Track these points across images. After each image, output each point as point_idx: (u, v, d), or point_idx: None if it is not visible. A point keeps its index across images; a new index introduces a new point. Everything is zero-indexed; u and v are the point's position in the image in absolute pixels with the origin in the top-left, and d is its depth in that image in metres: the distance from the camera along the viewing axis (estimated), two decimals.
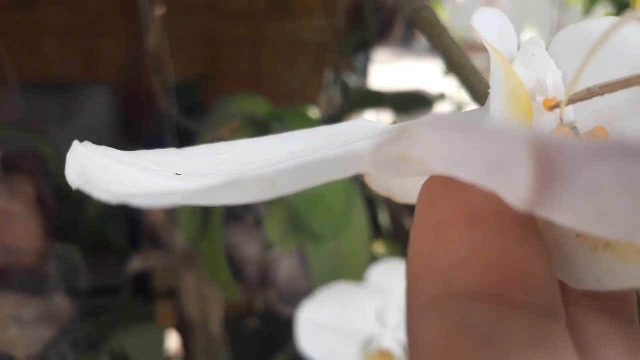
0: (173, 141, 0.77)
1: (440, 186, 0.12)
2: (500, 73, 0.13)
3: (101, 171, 0.13)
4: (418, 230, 0.13)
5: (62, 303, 0.76)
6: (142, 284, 0.86)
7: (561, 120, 0.14)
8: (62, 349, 0.72)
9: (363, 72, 1.00)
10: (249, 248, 0.78)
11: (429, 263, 0.12)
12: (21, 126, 0.83)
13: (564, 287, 0.13)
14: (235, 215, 0.78)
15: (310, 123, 0.65)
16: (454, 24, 1.03)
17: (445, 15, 1.03)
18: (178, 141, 0.76)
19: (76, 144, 0.14)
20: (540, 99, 0.14)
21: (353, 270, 0.60)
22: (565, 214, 0.10)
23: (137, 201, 0.11)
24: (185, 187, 0.13)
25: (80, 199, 0.78)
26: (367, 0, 0.84)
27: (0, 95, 0.89)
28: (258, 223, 0.76)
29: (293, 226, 0.62)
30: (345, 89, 0.86)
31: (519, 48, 0.15)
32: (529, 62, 0.15)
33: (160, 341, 0.74)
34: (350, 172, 0.12)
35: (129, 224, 0.88)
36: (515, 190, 0.10)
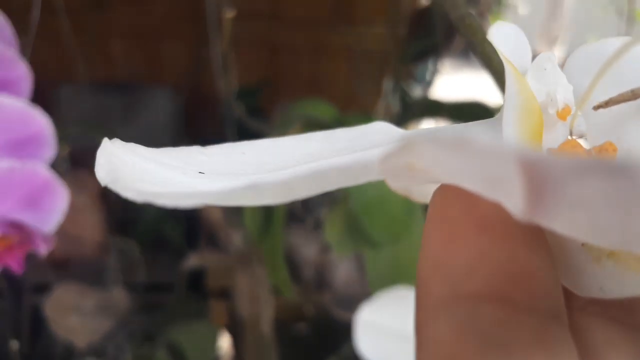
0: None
1: (450, 193, 0.13)
2: (513, 85, 0.13)
3: (129, 168, 0.14)
4: (429, 234, 0.13)
5: (120, 296, 0.78)
6: (196, 282, 0.87)
7: (571, 132, 0.15)
8: (118, 341, 0.74)
9: (423, 82, 1.00)
10: (307, 250, 0.79)
11: (438, 265, 0.12)
12: (88, 124, 0.86)
13: (570, 294, 0.13)
14: (296, 217, 0.79)
15: None
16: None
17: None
18: None
19: (106, 142, 0.14)
20: (552, 111, 0.15)
21: (410, 277, 0.60)
22: (561, 224, 0.10)
23: (161, 201, 0.12)
24: (207, 188, 0.13)
25: None
26: (434, 9, 0.84)
27: (69, 93, 0.92)
28: (317, 226, 0.77)
29: (352, 231, 0.63)
30: (404, 97, 0.86)
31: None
32: (540, 76, 0.15)
33: (213, 338, 0.75)
34: (362, 179, 0.12)
35: (186, 222, 0.90)
36: (513, 201, 0.10)
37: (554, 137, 0.14)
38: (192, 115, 1.01)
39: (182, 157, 0.16)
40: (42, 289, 0.75)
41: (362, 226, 0.59)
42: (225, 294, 0.86)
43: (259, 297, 0.82)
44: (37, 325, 0.76)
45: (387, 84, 0.95)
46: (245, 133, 0.76)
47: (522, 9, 0.99)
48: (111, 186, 0.12)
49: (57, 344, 0.74)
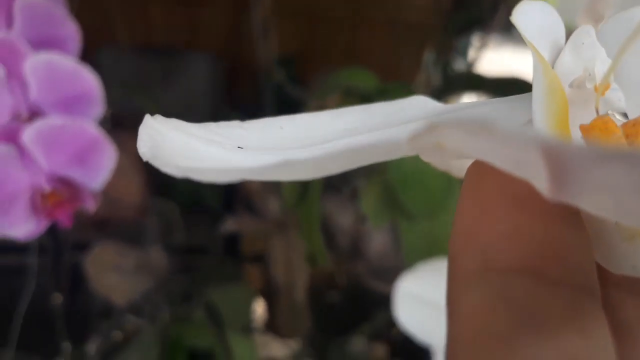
0: (273, 111, 0.78)
1: (485, 168, 0.13)
2: (538, 67, 0.13)
3: (170, 143, 0.14)
4: (463, 207, 0.13)
5: (158, 256, 0.80)
6: (232, 246, 0.88)
7: (597, 110, 0.14)
8: (156, 300, 0.76)
9: (465, 55, 0.98)
10: (342, 219, 0.79)
11: (472, 238, 0.13)
12: (130, 87, 0.87)
13: (605, 270, 0.13)
14: (333, 186, 0.79)
15: None
16: (562, 12, 0.99)
17: (555, 2, 0.99)
18: (278, 111, 0.78)
19: (148, 118, 0.15)
20: (589, 86, 0.14)
21: (446, 251, 0.60)
22: (588, 206, 0.10)
23: (198, 176, 0.12)
24: (242, 164, 0.14)
25: None
26: None
27: (110, 56, 0.93)
28: (354, 195, 0.77)
29: (388, 203, 0.63)
30: (446, 70, 0.85)
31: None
32: (578, 51, 0.15)
33: (249, 301, 0.76)
34: (392, 156, 0.13)
35: (224, 187, 0.91)
36: (539, 182, 0.10)
37: (590, 114, 0.14)
38: (231, 82, 1.01)
39: (222, 131, 0.16)
40: (83, 246, 0.77)
41: (399, 198, 0.59)
42: (259, 259, 0.88)
43: (293, 263, 0.83)
44: (77, 282, 0.78)
45: (429, 56, 0.93)
46: (284, 101, 0.76)
47: None
48: (152, 162, 0.13)
49: (97, 301, 0.76)
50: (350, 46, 1.09)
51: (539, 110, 0.13)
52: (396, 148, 0.12)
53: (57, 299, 0.68)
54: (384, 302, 0.49)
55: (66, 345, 0.68)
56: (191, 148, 0.14)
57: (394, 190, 0.60)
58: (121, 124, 0.84)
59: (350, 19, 1.08)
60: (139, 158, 0.14)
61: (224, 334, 0.69)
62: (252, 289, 0.82)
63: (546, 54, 0.15)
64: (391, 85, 0.67)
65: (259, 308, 0.89)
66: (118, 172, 0.82)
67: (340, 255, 0.82)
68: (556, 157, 0.09)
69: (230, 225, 0.84)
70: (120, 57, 0.92)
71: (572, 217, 0.12)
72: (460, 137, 0.11)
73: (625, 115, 0.15)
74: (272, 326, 0.87)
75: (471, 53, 1.01)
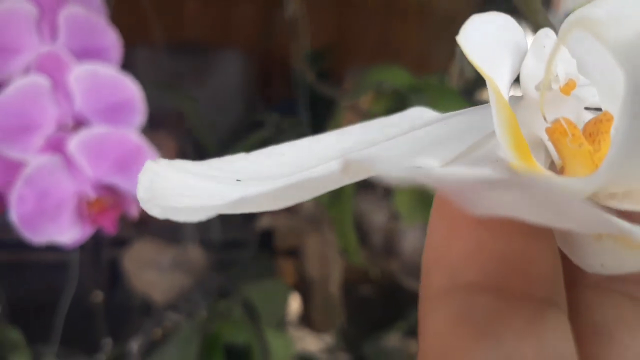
0: (306, 107, 0.78)
1: None
2: (491, 93, 0.13)
3: (167, 184, 0.15)
4: (433, 226, 0.13)
5: (195, 253, 0.81)
6: (265, 241, 0.89)
7: (544, 117, 0.14)
8: (194, 296, 0.77)
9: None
10: (376, 217, 0.79)
11: (439, 257, 0.13)
12: (165, 85, 0.88)
13: (584, 272, 0.13)
14: (367, 183, 0.79)
15: (449, 95, 0.64)
16: None
17: None
18: (311, 108, 0.78)
19: (148, 163, 0.15)
20: (555, 87, 0.14)
21: None
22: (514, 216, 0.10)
23: (178, 217, 0.13)
24: (220, 202, 0.14)
25: (218, 153, 0.82)
26: None
27: (144, 55, 0.94)
28: (387, 193, 0.77)
29: (422, 201, 0.63)
30: None
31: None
32: (541, 55, 0.15)
33: (284, 296, 0.77)
34: (334, 186, 0.13)
35: None
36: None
37: (562, 113, 0.14)
38: (265, 78, 1.02)
39: (223, 166, 0.17)
40: (121, 243, 0.78)
41: (432, 197, 0.59)
42: (293, 254, 0.88)
43: (327, 258, 0.84)
44: (116, 279, 0.80)
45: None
46: (317, 96, 0.77)
47: None
48: (144, 204, 0.14)
49: (136, 298, 0.78)
50: (383, 38, 1.08)
51: (496, 124, 0.13)
52: (334, 179, 0.12)
53: (98, 296, 0.69)
54: (418, 299, 0.49)
55: (107, 342, 0.70)
56: (187, 186, 0.15)
57: (428, 188, 0.60)
58: (157, 123, 0.85)
59: (383, 10, 1.07)
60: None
61: (261, 330, 0.69)
62: (287, 284, 0.83)
63: (508, 63, 0.15)
64: (424, 81, 0.67)
65: (294, 303, 0.90)
66: None
67: (374, 253, 0.82)
68: (450, 190, 0.09)
69: (265, 220, 0.84)
70: (154, 56, 0.93)
71: (536, 229, 0.12)
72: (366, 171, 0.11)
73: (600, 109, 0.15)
74: (307, 320, 0.88)
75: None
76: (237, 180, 0.16)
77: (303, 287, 0.88)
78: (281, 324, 0.78)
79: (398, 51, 1.04)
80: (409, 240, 0.79)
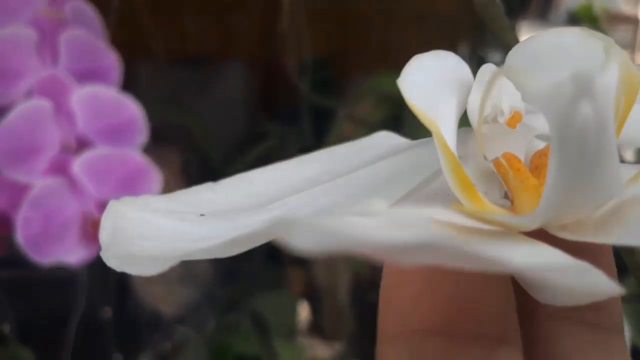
0: (308, 118, 0.79)
1: None
2: (435, 137, 0.14)
3: (130, 225, 0.15)
4: (385, 272, 0.13)
5: (202, 265, 0.81)
6: (273, 251, 0.89)
7: (484, 156, 0.15)
8: (203, 309, 0.77)
9: (501, 49, 0.97)
10: None
11: (390, 302, 0.13)
12: (167, 100, 0.88)
13: (540, 304, 0.13)
14: None
15: None
16: None
17: None
18: (313, 118, 0.78)
19: (112, 203, 0.16)
20: (501, 120, 0.15)
21: None
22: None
23: (134, 271, 0.14)
24: (174, 253, 0.14)
25: (222, 167, 0.82)
26: None
27: (145, 70, 0.95)
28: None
29: None
30: (480, 65, 0.85)
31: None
32: (484, 89, 0.15)
33: (293, 307, 0.77)
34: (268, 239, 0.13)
35: None
36: None
37: (509, 147, 0.15)
38: (267, 90, 1.02)
39: (190, 199, 0.17)
40: None
41: None
42: (301, 263, 0.88)
43: (335, 265, 0.84)
44: (124, 294, 0.80)
45: (462, 51, 0.93)
46: (319, 107, 0.77)
47: None
48: (103, 253, 0.14)
49: (145, 312, 0.78)
50: (383, 44, 1.08)
51: (442, 167, 0.13)
52: (269, 236, 0.13)
53: (107, 312, 0.70)
54: None
55: (117, 357, 0.70)
56: (151, 226, 0.15)
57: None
58: (160, 139, 0.85)
59: (382, 15, 1.07)
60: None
61: (270, 341, 0.70)
62: (295, 294, 0.83)
63: (454, 101, 0.15)
64: None
65: (303, 311, 0.90)
66: (160, 186, 0.83)
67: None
68: (372, 252, 0.10)
69: None
70: (156, 71, 0.94)
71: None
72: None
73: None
74: (316, 328, 0.88)
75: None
76: (201, 215, 0.16)
77: (312, 295, 0.88)
78: (291, 333, 0.79)
79: (398, 58, 1.05)
80: None
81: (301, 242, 0.09)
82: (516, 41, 0.19)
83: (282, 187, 0.17)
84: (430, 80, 0.15)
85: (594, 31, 0.13)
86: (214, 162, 0.81)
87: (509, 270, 0.10)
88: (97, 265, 0.77)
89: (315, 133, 0.77)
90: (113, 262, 0.14)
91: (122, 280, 0.79)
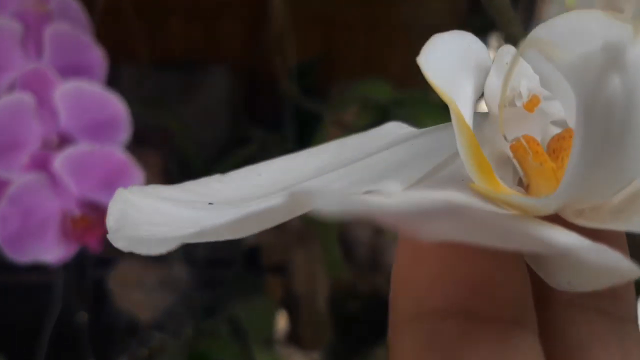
0: (292, 123, 0.79)
1: None
2: (453, 116, 0.13)
3: (138, 212, 0.15)
4: (399, 250, 0.14)
5: (181, 271, 0.80)
6: (252, 258, 0.89)
7: (504, 136, 0.15)
8: (180, 315, 0.76)
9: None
10: (360, 230, 0.79)
11: (405, 283, 0.13)
12: (150, 102, 0.87)
13: (557, 291, 0.13)
14: None
15: (432, 109, 0.65)
16: (579, 7, 0.98)
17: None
18: (297, 123, 0.78)
19: (120, 191, 0.15)
20: (518, 104, 0.15)
21: None
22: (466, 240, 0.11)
23: (142, 250, 0.13)
24: (182, 233, 0.14)
25: (203, 170, 0.81)
26: None
27: (129, 71, 0.94)
28: None
29: None
30: None
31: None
32: (503, 72, 0.15)
33: (271, 313, 0.76)
34: (282, 219, 0.13)
35: None
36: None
37: (526, 130, 0.15)
38: (250, 94, 1.02)
39: (198, 189, 0.17)
40: (105, 263, 0.77)
41: None
42: (280, 270, 0.88)
43: (314, 273, 0.83)
44: (101, 299, 0.79)
45: None
46: (303, 112, 0.77)
47: None
48: (111, 236, 0.14)
49: (122, 318, 0.77)
50: (368, 52, 1.09)
51: (459, 146, 0.13)
52: (286, 212, 0.12)
53: (83, 317, 0.68)
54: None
55: None
56: (160, 212, 0.15)
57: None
58: (142, 141, 0.84)
59: (368, 25, 1.08)
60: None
61: (248, 348, 0.69)
62: (274, 301, 0.83)
63: (471, 82, 0.15)
64: (407, 94, 0.67)
65: (281, 320, 0.89)
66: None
67: (359, 267, 0.82)
68: (394, 220, 0.10)
69: (251, 237, 0.84)
70: (139, 73, 0.93)
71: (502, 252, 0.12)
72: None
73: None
74: (294, 337, 0.87)
75: (490, 54, 1.01)
76: (210, 203, 0.16)
77: (290, 304, 0.87)
78: (269, 341, 0.78)
79: (383, 66, 1.05)
80: (394, 255, 0.79)
81: (325, 205, 0.09)
82: (523, 34, 0.19)
83: (293, 176, 0.17)
84: (450, 60, 0.15)
85: (617, 13, 0.13)
86: (195, 166, 0.81)
87: (555, 249, 0.10)
88: (74, 268, 0.76)
89: (298, 138, 0.76)
90: (121, 243, 0.14)
91: (99, 285, 0.78)
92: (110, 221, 0.14)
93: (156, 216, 0.15)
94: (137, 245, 0.13)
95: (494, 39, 1.03)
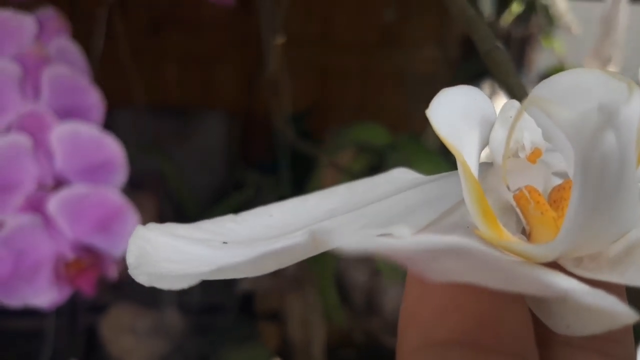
0: (287, 166, 0.79)
1: None
2: (460, 167, 0.14)
3: (157, 250, 0.16)
4: (408, 284, 0.14)
5: (173, 317, 0.79)
6: (246, 305, 0.88)
7: (507, 186, 0.15)
8: None
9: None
10: (357, 274, 0.78)
11: (414, 315, 0.14)
12: (146, 147, 0.88)
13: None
14: None
15: (425, 154, 0.65)
16: (569, 55, 1.01)
17: (561, 47, 1.01)
18: (293, 168, 0.78)
19: (139, 228, 0.16)
20: (522, 156, 0.15)
21: None
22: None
23: (163, 285, 0.14)
24: (201, 270, 0.14)
25: (198, 215, 0.81)
26: None
27: (125, 116, 0.95)
28: None
29: None
30: None
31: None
32: (507, 125, 0.15)
33: None
34: (300, 258, 0.14)
35: None
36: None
37: (529, 181, 0.15)
38: (246, 139, 1.02)
39: (213, 228, 0.18)
40: (97, 309, 0.76)
41: None
42: (275, 317, 0.87)
43: (310, 321, 0.82)
44: (92, 345, 0.77)
45: None
46: (298, 156, 0.77)
47: (576, 29, 0.98)
48: (132, 271, 0.14)
49: None
50: (362, 99, 1.10)
51: (465, 195, 0.14)
52: (305, 250, 0.13)
53: None
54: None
55: None
56: (177, 250, 0.16)
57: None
58: (138, 185, 0.84)
59: (361, 72, 1.09)
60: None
61: None
62: (268, 349, 0.81)
63: (477, 134, 0.15)
64: (401, 138, 0.68)
65: None
66: None
67: (355, 311, 0.81)
68: (404, 258, 0.10)
69: (245, 283, 0.83)
70: (136, 118, 0.93)
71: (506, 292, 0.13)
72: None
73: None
74: None
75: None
76: (224, 242, 0.16)
77: (285, 351, 0.86)
78: None
79: (377, 113, 1.06)
80: (390, 298, 0.78)
81: (346, 243, 0.09)
82: (520, 86, 0.20)
83: (304, 218, 0.17)
84: (457, 113, 0.15)
85: (613, 71, 0.13)
86: (189, 210, 0.80)
87: (554, 292, 0.10)
88: (66, 313, 0.74)
89: (294, 182, 0.77)
90: (142, 278, 0.14)
91: (91, 333, 0.77)
92: (130, 258, 0.15)
93: (174, 254, 0.15)
94: (158, 281, 0.14)
95: (486, 86, 1.05)
